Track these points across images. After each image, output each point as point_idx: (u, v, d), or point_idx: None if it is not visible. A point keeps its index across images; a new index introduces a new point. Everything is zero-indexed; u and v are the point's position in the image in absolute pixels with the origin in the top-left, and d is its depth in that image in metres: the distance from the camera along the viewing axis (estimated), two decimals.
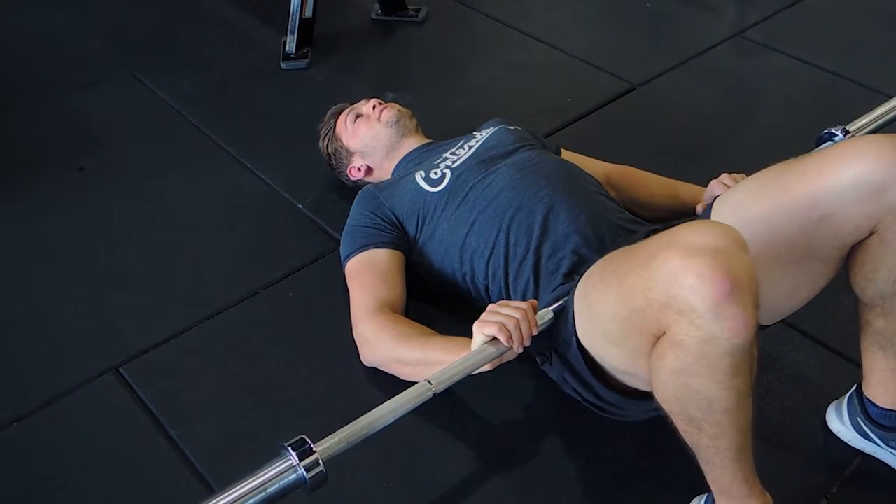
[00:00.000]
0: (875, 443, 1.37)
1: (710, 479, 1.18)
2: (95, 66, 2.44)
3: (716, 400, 1.06)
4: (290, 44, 2.45)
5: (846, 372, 1.49)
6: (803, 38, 2.63)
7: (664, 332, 1.06)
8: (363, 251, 1.58)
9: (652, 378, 1.12)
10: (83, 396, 1.49)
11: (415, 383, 1.27)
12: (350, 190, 1.83)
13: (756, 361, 1.11)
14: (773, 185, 1.26)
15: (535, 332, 1.31)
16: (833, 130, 1.56)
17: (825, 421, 1.45)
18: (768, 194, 1.26)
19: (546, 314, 1.34)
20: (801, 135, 1.67)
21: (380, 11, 2.71)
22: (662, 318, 1.04)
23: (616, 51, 2.58)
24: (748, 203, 1.29)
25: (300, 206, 1.92)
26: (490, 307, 1.33)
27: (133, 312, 1.66)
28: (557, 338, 1.35)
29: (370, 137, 1.79)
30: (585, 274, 1.28)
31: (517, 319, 1.29)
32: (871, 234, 1.21)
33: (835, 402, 1.44)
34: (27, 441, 1.43)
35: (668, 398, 1.11)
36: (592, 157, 1.84)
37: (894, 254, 1.21)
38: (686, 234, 1.04)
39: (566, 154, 1.82)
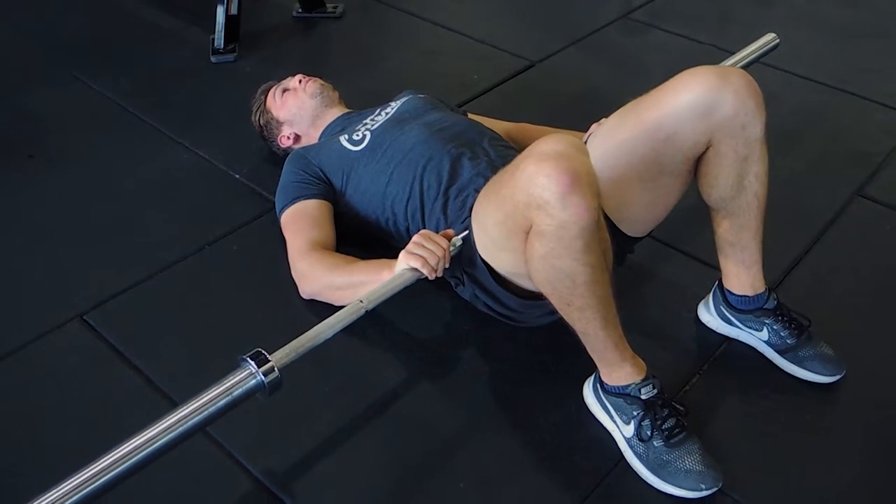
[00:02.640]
0: (737, 326, 1.65)
1: (589, 350, 1.43)
2: (35, 68, 2.61)
3: (576, 275, 1.31)
4: (219, 40, 2.66)
5: (715, 279, 1.75)
6: (683, 17, 2.96)
7: (531, 227, 1.31)
8: (295, 202, 1.80)
9: (528, 268, 1.37)
10: (52, 341, 1.67)
11: None
12: (282, 160, 2.03)
13: (609, 245, 1.38)
14: (630, 115, 1.54)
15: (447, 263, 1.55)
16: None
17: (697, 316, 1.72)
18: (627, 123, 1.53)
19: (457, 241, 1.58)
20: None
21: (300, 10, 2.93)
22: (527, 214, 1.30)
23: (517, 34, 2.86)
24: (613, 132, 1.56)
25: (237, 175, 2.13)
26: (415, 239, 1.56)
27: (90, 271, 1.84)
28: (466, 259, 1.60)
29: (297, 107, 2.01)
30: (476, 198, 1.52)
31: (438, 257, 1.53)
32: (707, 149, 1.49)
33: (703, 300, 1.72)
34: (3, 379, 1.60)
35: (542, 281, 1.37)
36: None
37: (728, 163, 1.49)
38: (538, 145, 1.30)
39: (473, 116, 2.07)
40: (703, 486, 1.38)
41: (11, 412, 1.55)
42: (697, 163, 1.52)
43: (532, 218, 1.29)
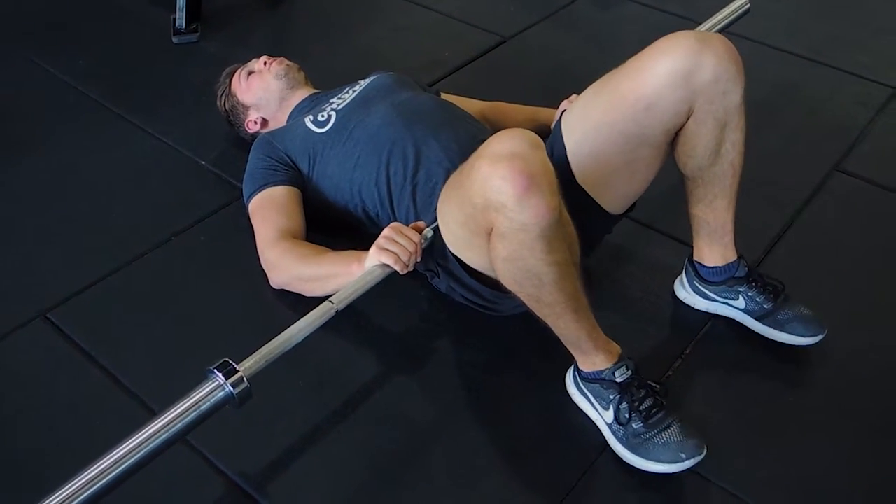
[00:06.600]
0: (713, 299, 1.63)
1: (563, 341, 1.40)
2: None
3: (542, 274, 1.27)
4: (180, 19, 2.56)
5: None
6: None
7: (492, 229, 1.26)
8: (262, 190, 1.74)
9: (493, 269, 1.33)
10: (15, 341, 1.61)
11: (319, 299, 1.44)
12: (250, 145, 1.96)
13: (575, 239, 1.34)
14: (606, 86, 1.49)
15: (419, 256, 1.50)
16: None
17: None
18: (604, 95, 1.49)
19: (428, 233, 1.54)
20: None
21: None
22: (486, 216, 1.25)
23: (487, 10, 2.79)
24: (589, 107, 1.52)
25: (203, 162, 2.05)
26: (385, 233, 1.50)
27: (53, 266, 1.77)
28: (438, 251, 1.55)
29: (262, 90, 1.94)
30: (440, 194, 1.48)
31: (410, 253, 1.48)
32: (688, 119, 1.45)
33: (678, 277, 1.70)
34: None
35: (509, 281, 1.33)
36: None
37: (707, 131, 1.46)
38: (491, 144, 1.25)
39: (446, 96, 2.01)
40: (684, 455, 1.33)
41: None
42: (676, 133, 1.48)
43: (491, 220, 1.25)
